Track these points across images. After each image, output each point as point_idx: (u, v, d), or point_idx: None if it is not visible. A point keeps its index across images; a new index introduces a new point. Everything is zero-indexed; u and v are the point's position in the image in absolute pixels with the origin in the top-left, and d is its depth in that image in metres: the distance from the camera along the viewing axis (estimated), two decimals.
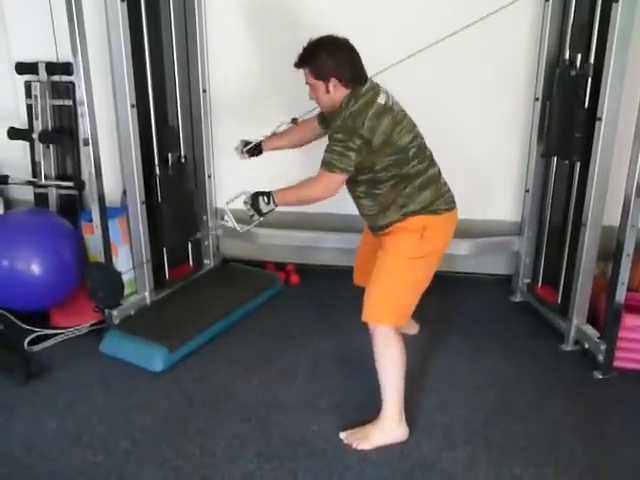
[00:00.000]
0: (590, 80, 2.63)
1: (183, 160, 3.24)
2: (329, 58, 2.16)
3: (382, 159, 2.14)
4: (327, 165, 2.13)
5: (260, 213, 2.24)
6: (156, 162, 3.06)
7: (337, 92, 2.19)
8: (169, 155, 3.14)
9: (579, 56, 2.70)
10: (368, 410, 2.30)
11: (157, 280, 3.17)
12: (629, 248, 2.46)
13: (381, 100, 2.13)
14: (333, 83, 2.18)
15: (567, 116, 2.74)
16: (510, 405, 2.47)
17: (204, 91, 3.28)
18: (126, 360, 2.71)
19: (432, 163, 2.28)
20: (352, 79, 2.18)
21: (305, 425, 2.35)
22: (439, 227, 2.25)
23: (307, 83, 2.25)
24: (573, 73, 2.71)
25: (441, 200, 2.25)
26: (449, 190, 2.32)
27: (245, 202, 2.25)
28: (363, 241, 2.62)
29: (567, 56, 2.78)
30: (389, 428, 2.24)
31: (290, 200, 2.27)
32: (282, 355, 2.82)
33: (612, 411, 2.45)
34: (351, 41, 2.21)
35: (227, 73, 3.33)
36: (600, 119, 2.51)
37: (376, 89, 2.18)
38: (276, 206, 2.24)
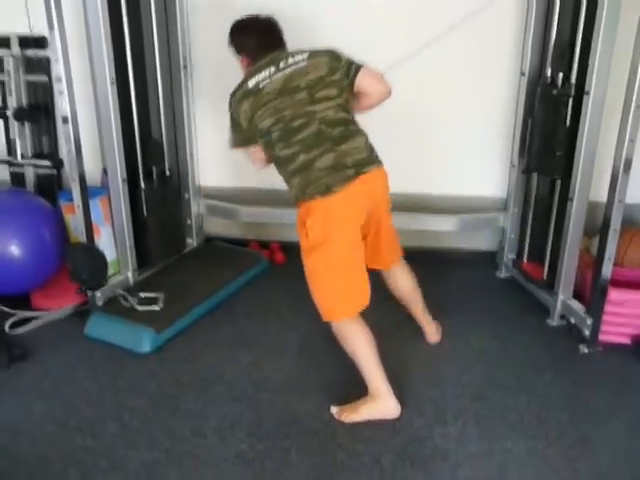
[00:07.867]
0: (571, 99, 2.63)
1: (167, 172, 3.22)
2: (237, 35, 2.41)
3: (257, 139, 2.28)
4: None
5: None
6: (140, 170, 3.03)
7: (248, 67, 2.37)
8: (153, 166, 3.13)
9: (560, 75, 2.69)
10: (358, 387, 2.29)
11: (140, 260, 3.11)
12: (616, 223, 2.46)
13: (250, 83, 2.23)
14: (242, 58, 2.40)
15: (549, 134, 2.75)
16: (499, 380, 2.49)
17: (185, 67, 3.20)
18: (112, 342, 2.67)
19: (306, 149, 2.13)
20: (253, 55, 2.33)
21: (296, 404, 2.34)
22: (319, 213, 2.12)
23: None
24: (555, 92, 2.71)
25: (312, 187, 2.12)
26: (329, 174, 2.11)
27: None
28: None
29: (549, 74, 2.77)
30: (378, 401, 2.24)
31: None
32: (270, 334, 2.80)
33: (598, 384, 2.47)
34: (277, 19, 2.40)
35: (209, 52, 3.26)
36: (588, 93, 2.48)
37: (258, 68, 2.24)
38: None
